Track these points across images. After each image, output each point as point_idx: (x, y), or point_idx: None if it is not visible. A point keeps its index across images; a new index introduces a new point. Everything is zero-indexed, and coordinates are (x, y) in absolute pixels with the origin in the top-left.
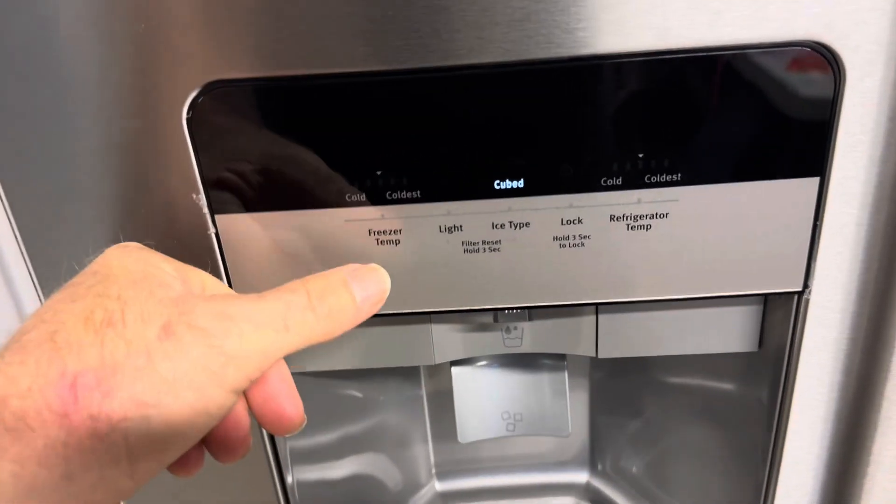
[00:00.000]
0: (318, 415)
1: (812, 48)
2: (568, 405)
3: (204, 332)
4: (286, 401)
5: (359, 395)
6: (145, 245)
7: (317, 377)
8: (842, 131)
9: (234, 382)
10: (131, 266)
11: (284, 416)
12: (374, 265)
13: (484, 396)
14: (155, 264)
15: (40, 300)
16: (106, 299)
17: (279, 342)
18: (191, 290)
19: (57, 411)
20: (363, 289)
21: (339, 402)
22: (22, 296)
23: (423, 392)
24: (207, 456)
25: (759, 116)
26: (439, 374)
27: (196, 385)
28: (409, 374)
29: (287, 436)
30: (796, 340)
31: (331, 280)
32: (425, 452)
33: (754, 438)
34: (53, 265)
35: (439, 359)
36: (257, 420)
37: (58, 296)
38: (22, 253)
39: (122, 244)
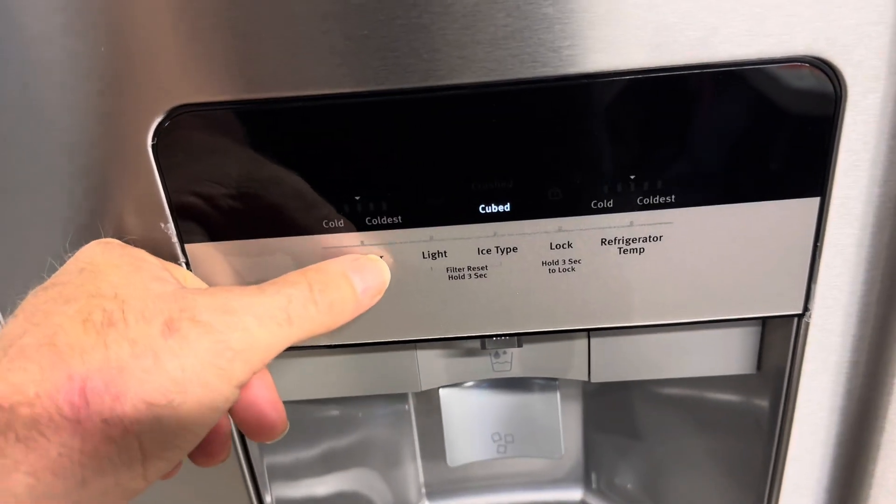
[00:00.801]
0: (298, 429)
1: (812, 64)
2: (560, 426)
3: (208, 328)
4: (268, 405)
5: (343, 410)
6: (125, 241)
7: (296, 404)
8: (843, 150)
9: (241, 376)
10: (117, 261)
11: (266, 421)
12: (373, 256)
13: (473, 418)
14: (142, 258)
15: None
16: (101, 299)
17: (283, 335)
18: (182, 285)
19: (69, 417)
20: (363, 280)
21: (321, 418)
22: None
23: (412, 408)
24: (182, 477)
25: (756, 135)
26: (427, 392)
27: (204, 381)
28: (396, 396)
29: (268, 443)
30: (796, 363)
31: (331, 272)
32: (414, 471)
33: (754, 461)
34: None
35: (425, 385)
36: (238, 426)
37: (43, 296)
38: None
39: (103, 240)
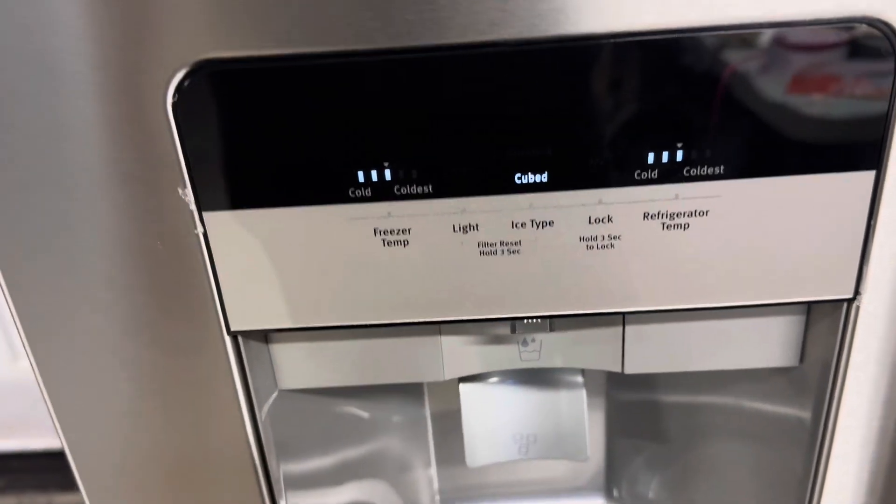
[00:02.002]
0: (313, 437)
1: (870, 24)
2: (586, 426)
3: None
4: None
5: (357, 415)
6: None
7: (313, 395)
8: None
9: None
10: None
11: None
12: None
13: (494, 416)
14: None
15: (6, 298)
16: None
17: None
18: None
19: None
20: None
21: (335, 424)
22: None
23: (427, 411)
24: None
25: (809, 102)
26: (444, 392)
27: None
28: (410, 391)
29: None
30: (843, 353)
31: None
32: (428, 477)
33: (792, 462)
34: (20, 261)
35: (449, 374)
36: None
37: None
38: None
39: None
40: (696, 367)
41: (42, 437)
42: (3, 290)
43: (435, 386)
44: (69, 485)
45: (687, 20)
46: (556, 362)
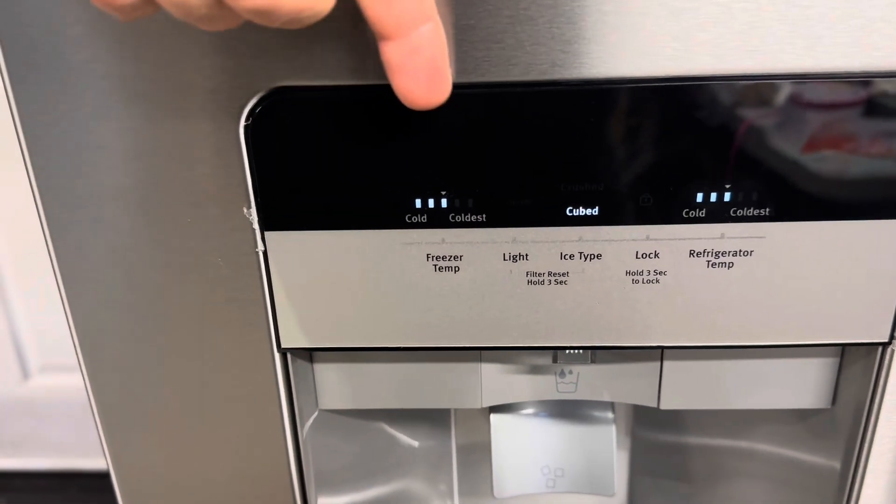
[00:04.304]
0: (342, 469)
1: None
2: (615, 461)
3: None
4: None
5: (383, 442)
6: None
7: (346, 417)
8: None
9: None
10: None
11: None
12: None
13: (524, 448)
14: None
15: (66, 312)
16: None
17: None
18: None
19: None
20: None
21: (361, 449)
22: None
23: (453, 442)
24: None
25: (858, 149)
26: (470, 422)
27: None
28: (437, 421)
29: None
30: (877, 396)
31: None
32: None
33: None
34: (84, 273)
35: (487, 402)
36: None
37: None
38: (51, 258)
39: None
40: (730, 406)
41: (46, 457)
42: (62, 303)
43: (461, 416)
44: None
45: (741, 67)
46: (593, 395)
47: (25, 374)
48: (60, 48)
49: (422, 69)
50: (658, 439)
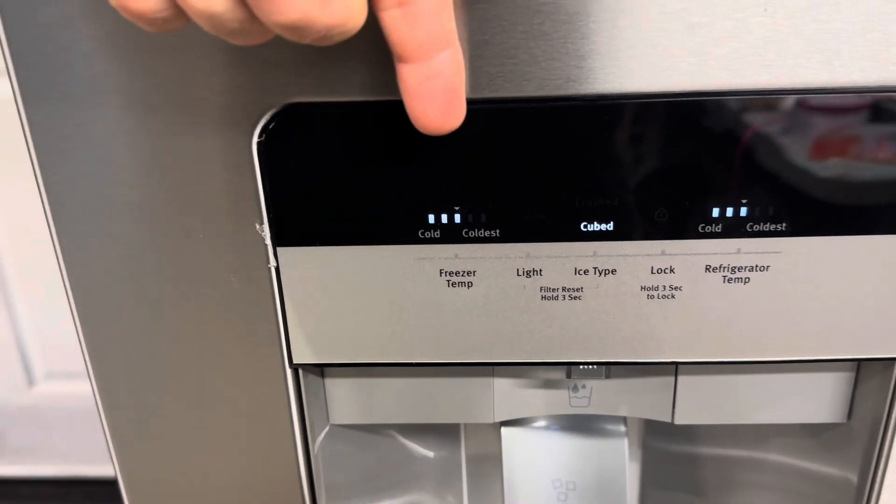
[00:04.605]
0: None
1: None
2: (626, 476)
3: None
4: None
5: (393, 456)
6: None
7: (357, 431)
8: None
9: None
10: None
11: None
12: None
13: (535, 461)
14: None
15: (76, 325)
16: None
17: None
18: None
19: None
20: None
21: (370, 462)
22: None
23: (462, 456)
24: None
25: (875, 164)
26: (480, 435)
27: None
28: (446, 434)
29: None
30: (894, 412)
31: None
32: None
33: None
34: (95, 287)
35: (499, 416)
36: None
37: None
38: (62, 272)
39: None
40: (745, 420)
41: (51, 464)
42: (72, 316)
43: (471, 429)
44: None
45: (756, 82)
46: (606, 409)
47: (31, 381)
48: (72, 63)
49: (438, 95)
50: (670, 450)
